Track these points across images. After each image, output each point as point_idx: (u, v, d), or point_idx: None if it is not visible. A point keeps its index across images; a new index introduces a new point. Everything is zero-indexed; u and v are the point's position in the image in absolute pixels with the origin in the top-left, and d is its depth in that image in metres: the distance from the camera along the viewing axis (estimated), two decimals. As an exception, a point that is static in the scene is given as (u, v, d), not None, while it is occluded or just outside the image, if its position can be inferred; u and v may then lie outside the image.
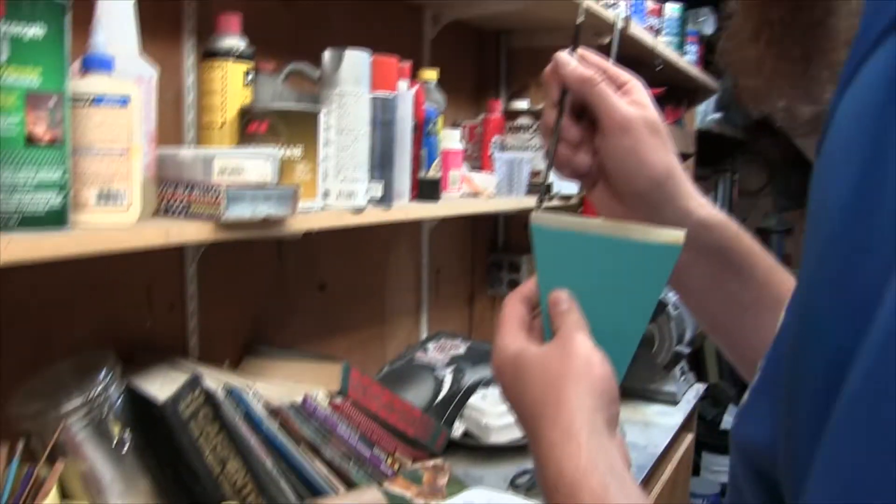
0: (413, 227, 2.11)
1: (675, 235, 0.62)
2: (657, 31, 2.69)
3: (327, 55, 1.27)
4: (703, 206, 0.73)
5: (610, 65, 0.72)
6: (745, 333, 0.75)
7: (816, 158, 0.39)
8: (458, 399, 1.78)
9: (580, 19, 0.75)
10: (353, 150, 1.28)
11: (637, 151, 0.69)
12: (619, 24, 2.20)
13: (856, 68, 0.36)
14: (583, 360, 0.58)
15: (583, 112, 0.72)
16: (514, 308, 0.65)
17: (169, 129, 1.36)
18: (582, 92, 0.69)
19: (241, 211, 1.03)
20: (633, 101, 0.70)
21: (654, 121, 0.70)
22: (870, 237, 0.33)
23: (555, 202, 2.05)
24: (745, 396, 0.45)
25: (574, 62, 0.70)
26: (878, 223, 0.32)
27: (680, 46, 2.91)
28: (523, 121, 2.03)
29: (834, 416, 0.33)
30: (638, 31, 2.35)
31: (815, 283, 0.36)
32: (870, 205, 0.33)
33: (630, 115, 0.68)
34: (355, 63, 1.27)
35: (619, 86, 0.71)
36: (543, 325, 0.64)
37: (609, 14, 2.16)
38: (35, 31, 0.77)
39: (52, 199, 0.81)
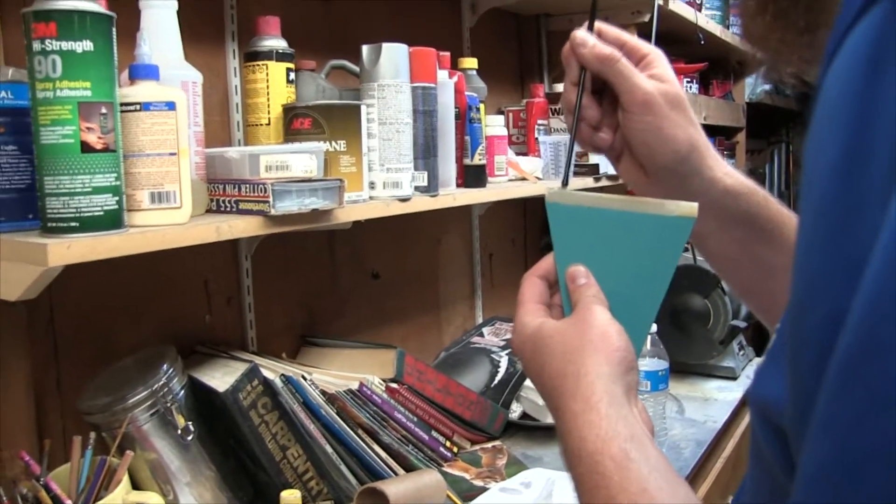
0: (463, 213, 2.14)
1: (689, 208, 0.63)
2: (699, 6, 2.67)
3: (365, 50, 1.30)
4: (730, 175, 0.74)
5: (629, 37, 0.73)
6: (775, 297, 0.76)
7: (808, 127, 0.39)
8: (514, 381, 1.80)
9: None
10: (396, 141, 1.31)
11: (659, 127, 0.70)
12: (659, 1, 2.20)
13: (840, 39, 0.37)
14: (599, 332, 0.59)
15: (604, 88, 0.73)
16: (532, 285, 0.67)
17: (218, 130, 1.41)
18: (601, 70, 0.71)
19: (289, 205, 1.07)
20: (653, 74, 0.71)
21: (676, 94, 0.71)
22: (861, 197, 0.34)
23: (603, 182, 2.05)
24: (763, 358, 0.46)
25: (592, 40, 0.71)
26: (867, 184, 0.34)
27: (724, 19, 2.88)
28: (567, 103, 2.03)
29: (828, 373, 0.34)
30: (678, 6, 2.33)
31: (811, 245, 0.37)
32: (859, 166, 0.34)
33: (650, 91, 0.70)
34: (393, 56, 1.30)
35: (640, 59, 0.72)
36: (562, 301, 0.66)
37: (648, -9, 2.16)
38: (85, 45, 0.82)
39: (107, 202, 0.86)
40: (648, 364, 1.62)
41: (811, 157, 0.38)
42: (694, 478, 1.65)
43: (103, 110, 0.84)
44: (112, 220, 0.87)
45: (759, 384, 0.45)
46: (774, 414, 0.42)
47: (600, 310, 0.61)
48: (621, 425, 0.54)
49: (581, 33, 0.72)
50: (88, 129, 0.83)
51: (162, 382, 1.18)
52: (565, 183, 0.72)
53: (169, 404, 1.19)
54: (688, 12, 2.39)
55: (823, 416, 0.34)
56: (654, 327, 1.65)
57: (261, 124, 1.28)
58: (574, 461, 0.55)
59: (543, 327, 0.63)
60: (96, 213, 0.85)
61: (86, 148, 0.83)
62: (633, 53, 0.73)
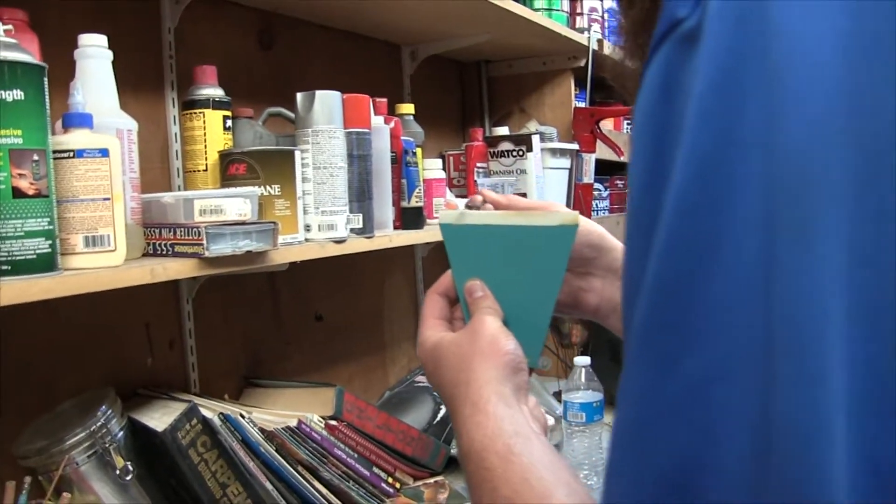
0: (407, 254, 2.18)
1: (570, 216, 0.69)
2: (635, 51, 2.76)
3: (300, 97, 1.35)
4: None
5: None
6: None
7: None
8: (456, 418, 1.83)
9: None
10: (330, 185, 1.35)
11: None
12: (594, 46, 2.28)
13: (644, 70, 0.42)
14: (488, 340, 0.65)
15: None
16: (433, 302, 0.73)
17: (158, 177, 1.44)
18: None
19: (223, 247, 1.11)
20: None
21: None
22: (657, 212, 0.39)
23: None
24: None
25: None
26: (662, 198, 0.39)
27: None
28: (505, 146, 2.10)
29: (626, 351, 0.39)
30: (613, 50, 2.42)
31: (628, 256, 0.42)
32: (656, 183, 0.39)
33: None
34: (327, 102, 1.35)
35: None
36: (463, 314, 0.72)
37: (582, 37, 2.25)
38: (15, 94, 0.85)
39: (40, 246, 0.89)
40: (583, 396, 1.67)
41: (629, 177, 0.43)
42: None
43: (35, 157, 0.88)
44: (45, 264, 0.90)
45: None
46: None
47: (491, 319, 0.67)
48: (507, 423, 0.59)
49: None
50: (20, 175, 0.86)
51: (100, 423, 1.20)
52: None
53: (107, 445, 1.21)
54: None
55: (621, 387, 0.39)
56: (588, 360, 1.70)
57: (198, 170, 1.32)
58: (465, 460, 0.60)
59: (442, 341, 0.68)
60: (29, 257, 0.88)
61: (17, 193, 0.86)
62: None
